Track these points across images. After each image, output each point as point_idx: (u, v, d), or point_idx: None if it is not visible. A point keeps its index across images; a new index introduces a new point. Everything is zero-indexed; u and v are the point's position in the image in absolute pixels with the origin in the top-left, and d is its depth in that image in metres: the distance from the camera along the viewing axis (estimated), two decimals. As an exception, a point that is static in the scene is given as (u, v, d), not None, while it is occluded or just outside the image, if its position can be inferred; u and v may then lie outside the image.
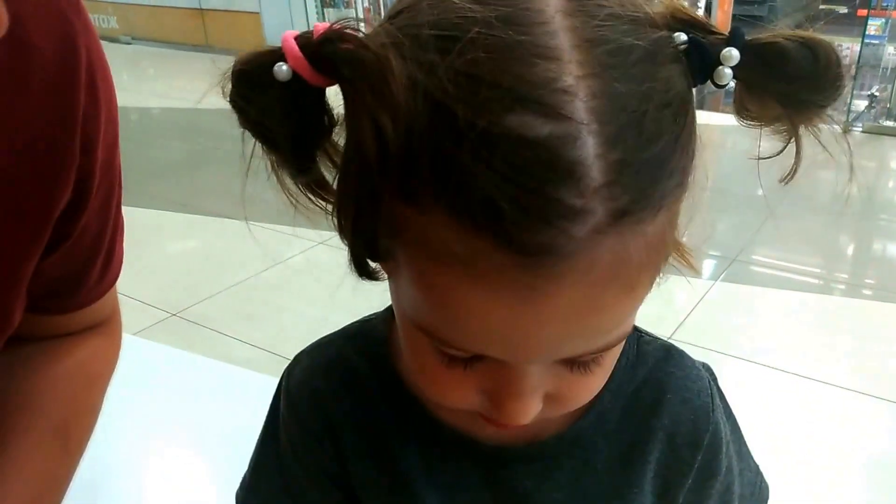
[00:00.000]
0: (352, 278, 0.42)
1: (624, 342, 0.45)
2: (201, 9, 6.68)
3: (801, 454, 1.58)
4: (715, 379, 0.59)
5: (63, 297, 0.68)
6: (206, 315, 2.08)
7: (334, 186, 0.41)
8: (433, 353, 0.42)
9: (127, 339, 0.79)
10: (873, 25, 4.79)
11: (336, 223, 0.40)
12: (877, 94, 4.53)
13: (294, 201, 0.43)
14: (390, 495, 0.58)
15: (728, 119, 0.42)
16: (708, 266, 2.47)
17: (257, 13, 6.30)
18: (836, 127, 0.42)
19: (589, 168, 0.34)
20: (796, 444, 1.61)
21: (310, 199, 0.43)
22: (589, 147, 0.34)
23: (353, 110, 0.36)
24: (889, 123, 4.05)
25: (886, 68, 4.68)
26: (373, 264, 0.42)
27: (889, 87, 4.31)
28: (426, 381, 0.46)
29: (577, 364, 0.43)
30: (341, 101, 0.37)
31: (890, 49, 4.74)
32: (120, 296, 0.78)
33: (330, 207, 0.41)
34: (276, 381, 0.62)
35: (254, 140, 0.39)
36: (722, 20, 5.00)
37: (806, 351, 1.99)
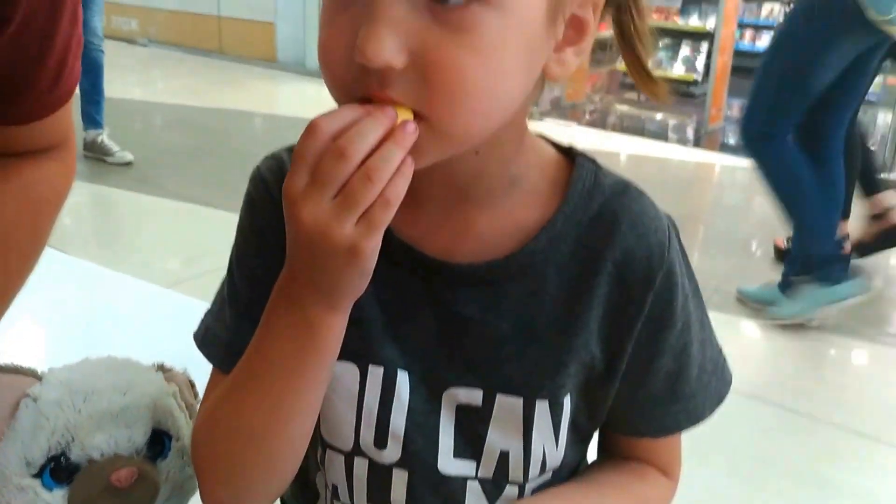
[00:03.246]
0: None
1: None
2: (219, 16, 6.82)
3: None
4: (677, 230, 0.58)
5: (11, 101, 0.64)
6: (198, 288, 2.15)
7: None
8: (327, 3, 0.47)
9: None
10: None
11: None
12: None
13: None
14: None
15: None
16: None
17: (272, 23, 6.43)
18: None
19: None
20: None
21: None
22: None
23: None
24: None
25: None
26: None
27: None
28: (323, 39, 0.48)
29: (443, 13, 0.44)
30: None
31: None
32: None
33: None
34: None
35: None
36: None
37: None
